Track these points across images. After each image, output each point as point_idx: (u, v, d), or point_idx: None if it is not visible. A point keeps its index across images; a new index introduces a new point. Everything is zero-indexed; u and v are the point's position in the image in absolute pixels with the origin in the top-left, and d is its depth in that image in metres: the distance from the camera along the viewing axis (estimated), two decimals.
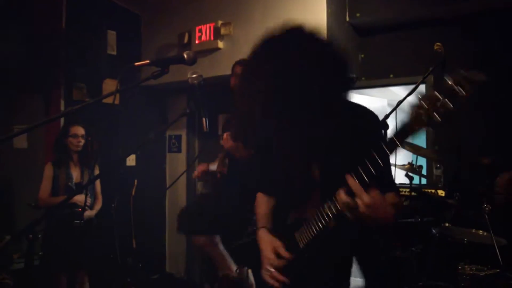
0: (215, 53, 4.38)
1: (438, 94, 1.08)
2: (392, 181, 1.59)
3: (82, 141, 3.54)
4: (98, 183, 3.72)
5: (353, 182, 1.22)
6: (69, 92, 4.22)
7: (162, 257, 5.36)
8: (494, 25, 3.82)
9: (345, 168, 1.30)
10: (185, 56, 1.59)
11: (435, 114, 1.08)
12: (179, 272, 5.24)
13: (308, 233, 1.50)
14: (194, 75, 1.90)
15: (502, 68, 3.70)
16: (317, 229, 1.45)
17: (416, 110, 1.12)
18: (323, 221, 1.42)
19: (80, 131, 3.54)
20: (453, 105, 1.06)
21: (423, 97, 1.12)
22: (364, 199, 1.21)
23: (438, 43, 2.79)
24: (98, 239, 3.66)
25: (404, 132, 1.18)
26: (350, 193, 1.24)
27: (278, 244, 1.60)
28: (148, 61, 1.57)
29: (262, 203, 1.83)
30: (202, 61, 4.35)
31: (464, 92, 1.05)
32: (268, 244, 1.63)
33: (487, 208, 2.66)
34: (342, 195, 1.24)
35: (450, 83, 1.07)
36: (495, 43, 3.81)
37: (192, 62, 1.60)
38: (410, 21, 4.15)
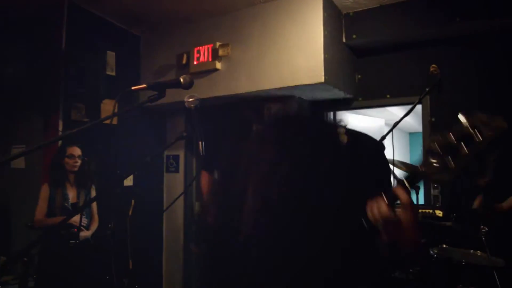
0: (213, 74, 4.42)
1: (453, 138, 0.99)
2: None
3: (79, 162, 3.55)
4: (94, 203, 3.71)
5: (402, 192, 1.10)
6: (68, 112, 4.23)
7: (159, 278, 5.30)
8: (490, 46, 3.88)
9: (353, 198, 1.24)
10: (182, 80, 1.61)
11: (450, 160, 0.99)
12: None
13: None
14: (190, 99, 1.91)
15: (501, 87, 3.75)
16: None
17: (429, 156, 1.03)
18: None
19: (77, 151, 3.54)
20: (468, 151, 0.97)
21: (437, 139, 1.03)
22: (410, 211, 1.11)
23: (433, 65, 2.83)
24: (94, 260, 3.62)
25: (414, 176, 1.10)
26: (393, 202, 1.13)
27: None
28: (145, 85, 1.58)
29: None
30: (200, 82, 4.39)
31: (481, 138, 0.95)
32: None
33: (483, 230, 2.65)
34: (383, 205, 1.11)
35: (466, 125, 0.98)
36: (491, 64, 3.86)
37: (188, 86, 1.62)
38: (406, 42, 4.21)
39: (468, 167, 0.99)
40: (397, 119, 2.84)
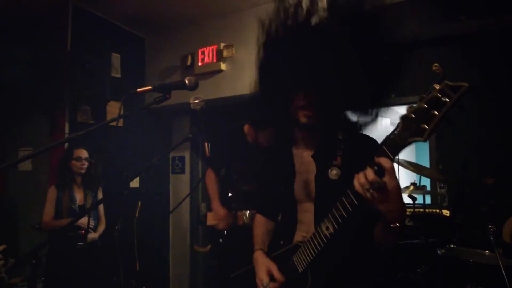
0: (218, 75, 4.43)
1: (424, 105, 1.10)
2: None
3: (86, 164, 3.57)
4: (101, 205, 3.73)
5: (386, 160, 1.18)
6: (74, 114, 4.26)
7: (166, 279, 5.31)
8: (494, 44, 3.85)
9: (343, 189, 1.30)
10: (187, 81, 1.62)
11: (424, 125, 1.10)
12: None
13: (306, 256, 1.48)
14: (196, 101, 1.91)
15: (504, 87, 3.72)
16: (315, 250, 1.43)
17: (404, 122, 1.14)
18: (320, 242, 1.40)
19: (84, 153, 3.56)
20: (438, 112, 1.08)
21: (410, 109, 1.14)
22: (394, 178, 1.19)
23: (436, 64, 2.82)
24: (102, 262, 3.64)
25: (394, 145, 1.18)
26: (378, 172, 1.19)
27: (272, 266, 1.60)
28: (150, 87, 1.59)
29: (259, 225, 1.84)
30: (205, 83, 4.40)
31: (448, 100, 1.06)
32: (263, 266, 1.63)
33: (492, 229, 2.63)
34: (371, 172, 1.18)
35: (435, 93, 1.08)
36: (494, 62, 3.83)
37: (193, 87, 1.62)
38: (409, 42, 4.18)
39: (438, 128, 1.09)
40: None
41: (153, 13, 4.54)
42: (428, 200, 3.58)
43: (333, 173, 1.48)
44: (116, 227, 4.15)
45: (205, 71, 4.46)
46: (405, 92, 4.26)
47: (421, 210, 3.36)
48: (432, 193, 3.74)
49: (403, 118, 1.15)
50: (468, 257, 2.81)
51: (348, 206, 1.29)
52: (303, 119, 1.48)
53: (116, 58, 4.72)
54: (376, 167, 1.19)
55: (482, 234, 2.84)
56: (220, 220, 2.82)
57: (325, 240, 1.38)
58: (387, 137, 1.21)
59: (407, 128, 1.14)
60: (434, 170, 3.78)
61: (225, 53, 4.34)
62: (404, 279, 3.05)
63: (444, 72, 2.87)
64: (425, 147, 4.56)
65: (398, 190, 1.22)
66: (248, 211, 2.77)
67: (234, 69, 4.34)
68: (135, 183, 4.89)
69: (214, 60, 4.42)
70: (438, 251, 2.94)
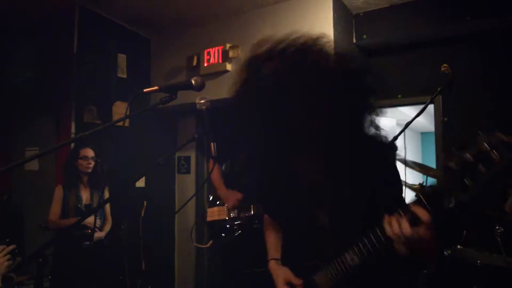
0: (224, 75, 4.43)
1: (470, 157, 0.97)
2: None
3: (92, 163, 3.58)
4: (107, 204, 3.74)
5: (423, 212, 1.09)
6: (80, 114, 4.28)
7: (171, 279, 5.33)
8: (501, 44, 3.83)
9: (358, 211, 1.26)
10: (193, 82, 1.62)
11: (469, 180, 0.98)
12: None
13: (327, 279, 1.44)
14: (202, 101, 1.92)
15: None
16: (337, 277, 1.39)
17: (449, 173, 1.02)
18: (344, 270, 1.36)
19: (90, 153, 3.58)
20: (486, 172, 0.95)
21: (454, 158, 1.01)
22: (430, 230, 1.10)
23: (445, 65, 2.80)
24: (108, 261, 3.65)
25: (434, 196, 1.10)
26: (412, 220, 1.12)
27: (289, 274, 1.58)
28: (156, 87, 1.59)
29: (271, 232, 1.81)
30: (210, 84, 4.40)
31: (499, 157, 0.93)
32: (281, 275, 1.61)
33: (499, 230, 2.62)
34: (405, 225, 1.10)
35: (485, 145, 0.95)
36: (503, 62, 3.81)
37: (200, 88, 1.63)
38: (417, 42, 4.17)
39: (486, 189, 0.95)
40: (409, 119, 2.82)
41: (159, 14, 4.55)
42: None
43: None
44: (122, 227, 4.17)
45: (211, 71, 4.46)
46: (411, 93, 4.26)
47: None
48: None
49: (446, 168, 1.04)
50: (475, 259, 2.79)
51: (376, 244, 1.23)
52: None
53: (122, 59, 4.73)
54: (410, 216, 1.10)
55: (489, 236, 2.82)
56: (227, 199, 2.83)
57: (350, 270, 1.35)
58: (426, 188, 1.13)
59: (450, 180, 1.02)
60: (441, 170, 3.75)
61: (231, 54, 4.34)
62: (409, 280, 3.03)
63: (452, 73, 2.86)
64: (430, 146, 4.53)
65: (432, 240, 1.14)
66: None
67: None
68: (141, 183, 4.91)
69: (220, 61, 4.43)
70: (445, 252, 2.93)
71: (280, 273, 1.62)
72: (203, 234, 4.91)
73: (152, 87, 1.61)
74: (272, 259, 1.71)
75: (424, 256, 1.21)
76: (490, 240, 2.85)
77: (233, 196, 2.78)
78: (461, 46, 3.99)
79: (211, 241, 3.12)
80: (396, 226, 1.11)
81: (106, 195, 3.74)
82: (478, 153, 0.96)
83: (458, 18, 3.74)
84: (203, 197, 5.17)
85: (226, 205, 2.93)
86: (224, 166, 3.12)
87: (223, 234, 2.88)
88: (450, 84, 2.76)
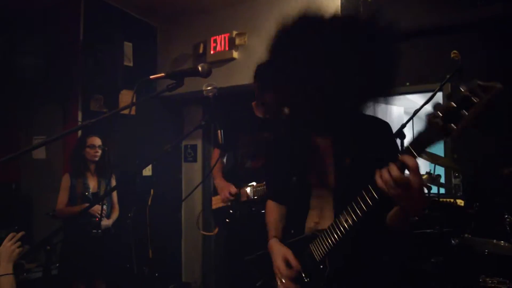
0: (230, 63, 4.41)
1: (453, 104, 1.05)
2: None
3: (99, 152, 3.59)
4: (114, 192, 3.75)
5: (410, 158, 1.16)
6: (87, 103, 4.28)
7: (178, 266, 5.37)
8: (510, 30, 3.76)
9: (362, 176, 1.29)
10: (200, 68, 1.60)
11: (451, 124, 1.06)
12: (196, 282, 5.24)
13: (324, 245, 1.48)
14: (209, 87, 1.90)
15: None
16: (334, 240, 1.43)
17: (431, 120, 1.10)
18: (339, 233, 1.41)
19: (97, 141, 3.58)
20: (468, 114, 1.03)
21: (438, 107, 1.09)
22: (418, 176, 1.17)
23: (454, 51, 2.76)
24: (115, 249, 3.68)
25: (420, 143, 1.16)
26: (402, 169, 1.19)
27: (288, 253, 1.60)
28: (163, 74, 1.58)
29: (272, 211, 1.84)
30: (217, 71, 4.38)
31: (479, 101, 1.01)
32: (279, 254, 1.63)
33: (508, 219, 2.59)
34: (394, 169, 1.16)
35: (464, 92, 1.03)
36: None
37: (206, 74, 1.61)
38: (426, 28, 4.10)
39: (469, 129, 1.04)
40: (417, 107, 2.79)
41: (165, 2, 4.52)
42: (442, 189, 3.54)
43: (349, 160, 1.47)
44: (130, 215, 4.19)
45: (217, 59, 4.44)
46: (420, 81, 4.21)
47: (436, 199, 3.32)
48: (446, 187, 3.69)
49: (430, 116, 1.11)
50: (483, 248, 2.78)
51: (369, 201, 1.28)
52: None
53: (128, 47, 4.71)
54: (400, 164, 1.17)
55: (498, 224, 2.80)
56: (221, 190, 2.83)
57: (344, 232, 1.39)
58: (413, 137, 1.19)
59: (434, 127, 1.09)
60: (448, 159, 3.73)
61: (237, 41, 4.31)
62: (417, 269, 3.03)
63: (462, 59, 2.82)
64: None
65: (421, 188, 1.20)
66: (248, 188, 2.76)
67: (247, 57, 4.31)
68: (147, 171, 4.92)
69: (227, 48, 4.40)
70: (453, 241, 2.91)
71: (280, 251, 1.64)
72: (210, 222, 4.92)
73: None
74: (273, 237, 1.74)
75: (415, 209, 1.27)
76: (499, 229, 2.83)
77: (226, 189, 2.77)
78: (471, 32, 3.93)
79: (217, 229, 3.12)
80: (387, 175, 1.18)
81: (113, 183, 3.75)
82: (460, 99, 1.03)
83: (469, 3, 3.67)
84: (210, 186, 5.18)
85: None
86: (225, 158, 3.12)
87: (227, 220, 2.88)
88: (460, 70, 2.72)
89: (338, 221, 1.41)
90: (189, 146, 5.39)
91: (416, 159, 1.16)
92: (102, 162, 3.64)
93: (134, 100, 1.65)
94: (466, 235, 3.00)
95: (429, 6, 3.87)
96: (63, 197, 3.51)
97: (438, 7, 3.83)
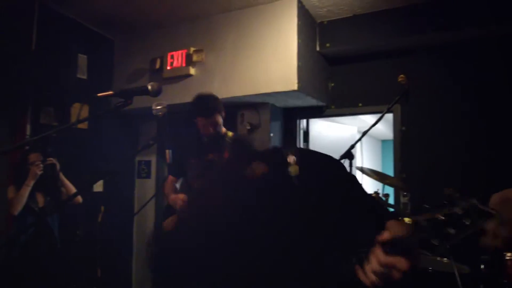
0: (187, 79, 4.40)
1: (442, 217, 0.96)
2: None
3: (41, 166, 3.44)
4: (61, 175, 3.59)
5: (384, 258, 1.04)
6: (37, 115, 4.13)
7: (128, 285, 5.21)
8: (458, 56, 3.98)
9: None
10: (150, 87, 1.60)
11: (435, 241, 0.97)
12: None
13: None
14: (158, 107, 1.88)
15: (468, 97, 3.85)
16: None
17: (417, 227, 1.01)
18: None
19: (38, 157, 3.44)
20: (455, 234, 0.94)
21: (426, 216, 0.99)
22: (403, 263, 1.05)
23: (401, 75, 2.88)
24: (62, 267, 3.54)
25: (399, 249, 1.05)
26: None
27: None
28: (111, 92, 1.56)
29: None
30: (173, 88, 4.37)
31: (471, 224, 0.91)
32: None
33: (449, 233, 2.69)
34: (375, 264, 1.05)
35: (459, 210, 0.93)
36: (460, 74, 3.97)
37: (156, 93, 1.60)
38: (378, 52, 4.28)
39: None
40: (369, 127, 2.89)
41: (123, 15, 4.47)
42: (391, 209, 3.64)
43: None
44: (78, 233, 4.05)
45: (174, 75, 4.42)
46: (370, 102, 4.36)
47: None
48: (395, 207, 3.80)
49: (415, 223, 1.01)
50: (427, 265, 2.87)
51: None
52: None
53: (83, 59, 4.61)
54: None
55: (441, 241, 2.90)
56: (175, 203, 2.80)
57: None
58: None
59: (416, 235, 1.01)
60: (397, 178, 3.86)
61: (195, 58, 4.31)
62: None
63: (409, 83, 2.94)
64: (390, 154, 4.64)
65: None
66: None
67: (204, 74, 4.32)
68: (99, 187, 4.79)
69: (184, 64, 4.39)
70: None
71: None
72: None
73: (110, 90, 1.58)
74: None
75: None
76: (443, 246, 2.93)
77: (179, 198, 2.75)
78: (421, 57, 4.13)
79: None
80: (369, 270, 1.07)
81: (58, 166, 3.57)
82: (450, 215, 0.95)
83: (418, 30, 3.87)
84: (163, 203, 5.10)
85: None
86: (179, 183, 3.11)
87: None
88: (406, 94, 2.84)
89: None
90: (143, 162, 5.30)
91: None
92: (45, 177, 3.49)
93: (86, 115, 1.62)
94: None
95: (380, 30, 4.04)
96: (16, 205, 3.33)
97: (389, 32, 4.01)
